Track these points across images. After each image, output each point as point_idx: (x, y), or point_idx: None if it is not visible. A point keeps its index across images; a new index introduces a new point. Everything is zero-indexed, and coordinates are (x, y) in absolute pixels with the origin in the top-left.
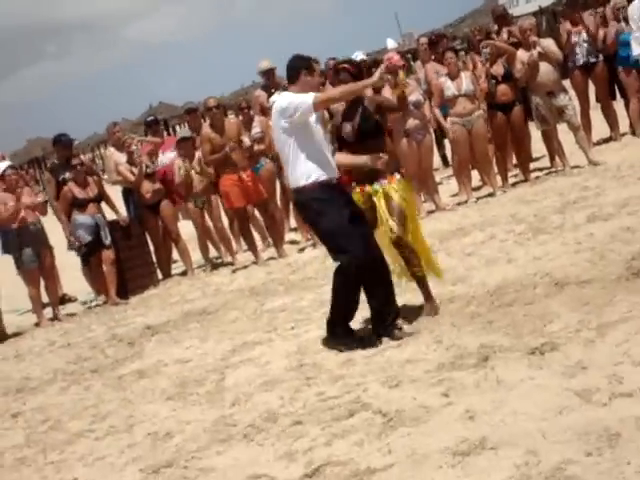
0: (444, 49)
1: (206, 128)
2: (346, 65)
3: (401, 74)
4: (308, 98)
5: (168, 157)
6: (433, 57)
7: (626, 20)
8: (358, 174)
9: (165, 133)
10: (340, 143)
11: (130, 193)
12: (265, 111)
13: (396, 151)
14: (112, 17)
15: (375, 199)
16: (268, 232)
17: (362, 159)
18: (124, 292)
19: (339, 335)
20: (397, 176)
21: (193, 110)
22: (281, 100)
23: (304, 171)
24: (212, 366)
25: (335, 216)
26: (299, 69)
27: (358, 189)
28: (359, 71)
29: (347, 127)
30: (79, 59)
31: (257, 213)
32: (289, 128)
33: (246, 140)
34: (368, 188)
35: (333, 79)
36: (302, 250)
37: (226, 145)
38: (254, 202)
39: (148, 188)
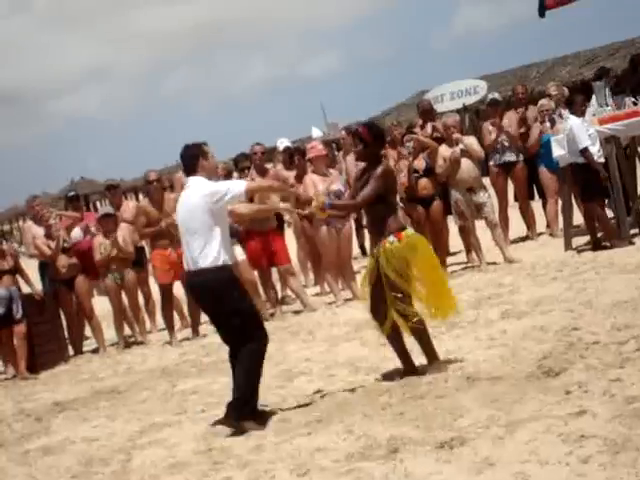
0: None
1: (144, 201)
2: (360, 129)
3: (319, 197)
4: (240, 185)
5: (77, 233)
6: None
7: (551, 122)
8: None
9: (85, 208)
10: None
11: (46, 267)
12: None
13: (314, 239)
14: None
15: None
16: (188, 311)
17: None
18: (33, 367)
19: (247, 416)
20: (390, 238)
21: (114, 187)
22: (202, 184)
23: (223, 251)
24: (119, 446)
25: (249, 297)
26: (195, 157)
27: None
28: (375, 141)
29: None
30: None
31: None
32: (214, 210)
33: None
34: (404, 233)
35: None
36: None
37: (162, 220)
38: (181, 279)
39: (64, 263)
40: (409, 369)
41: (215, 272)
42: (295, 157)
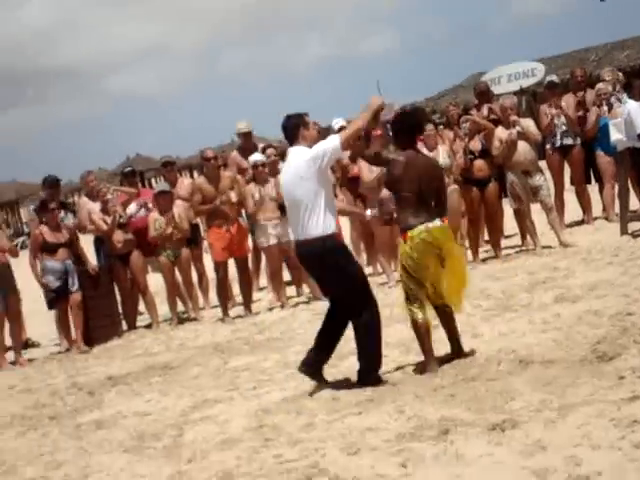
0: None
1: (200, 178)
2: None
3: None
4: (334, 140)
5: (133, 208)
6: None
7: (609, 106)
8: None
9: (140, 185)
10: None
11: (101, 242)
12: (242, 171)
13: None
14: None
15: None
16: (240, 289)
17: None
18: (89, 340)
19: (378, 380)
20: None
21: (170, 163)
22: (303, 152)
23: (332, 219)
24: (171, 421)
25: (359, 266)
26: (296, 127)
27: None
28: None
29: None
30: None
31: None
32: (319, 176)
33: (232, 195)
34: (409, 233)
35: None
36: (270, 310)
37: (217, 197)
38: (235, 256)
39: (120, 238)
40: (455, 350)
41: (324, 240)
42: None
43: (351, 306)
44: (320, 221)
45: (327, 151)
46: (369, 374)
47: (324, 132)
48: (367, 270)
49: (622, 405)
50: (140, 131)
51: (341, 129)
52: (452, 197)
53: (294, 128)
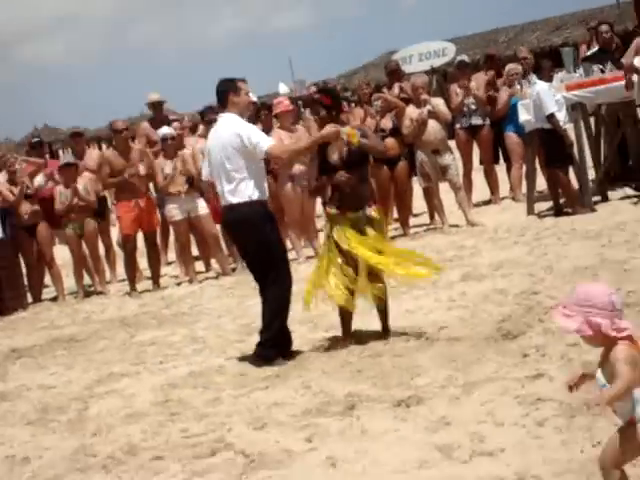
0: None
1: (109, 150)
2: (318, 97)
3: (347, 130)
4: (264, 144)
5: (40, 180)
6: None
7: (520, 85)
8: (342, 200)
9: (48, 156)
10: (324, 166)
11: (7, 213)
12: (152, 143)
13: (279, 195)
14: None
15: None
16: (148, 263)
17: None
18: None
19: (271, 357)
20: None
21: (78, 134)
22: (234, 123)
23: (256, 187)
24: (76, 394)
25: (281, 238)
26: (226, 92)
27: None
28: (335, 103)
29: (334, 157)
30: None
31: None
32: (244, 151)
33: (141, 168)
34: (350, 215)
35: (313, 110)
36: (178, 284)
37: (126, 170)
38: (144, 230)
39: (26, 209)
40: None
41: (249, 206)
42: (261, 112)
43: (264, 277)
44: (249, 188)
45: (256, 146)
46: (265, 349)
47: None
48: None
49: (526, 383)
50: (48, 101)
51: (252, 104)
52: None
53: (224, 92)
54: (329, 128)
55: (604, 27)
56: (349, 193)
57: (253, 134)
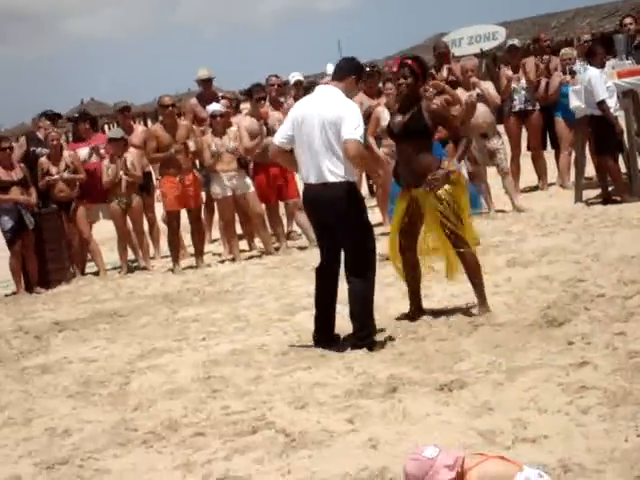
0: (384, 80)
1: (156, 125)
2: (410, 62)
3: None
4: (349, 133)
5: (84, 152)
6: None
7: (572, 73)
8: (406, 177)
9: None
10: (389, 132)
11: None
12: (199, 120)
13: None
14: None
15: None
16: (192, 240)
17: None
18: (44, 284)
19: (370, 336)
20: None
21: (126, 109)
22: (338, 98)
23: (351, 169)
24: (118, 369)
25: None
26: (351, 72)
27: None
28: (423, 74)
29: (397, 119)
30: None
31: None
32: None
33: (191, 144)
34: (413, 192)
35: (395, 74)
36: (222, 262)
37: (172, 146)
38: (189, 207)
39: (62, 188)
40: (416, 311)
41: (349, 185)
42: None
43: (356, 260)
44: (344, 166)
45: (340, 130)
46: (366, 336)
47: (285, 87)
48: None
49: (570, 370)
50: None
51: (297, 83)
52: None
53: (349, 72)
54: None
55: None
56: (404, 168)
57: (349, 119)
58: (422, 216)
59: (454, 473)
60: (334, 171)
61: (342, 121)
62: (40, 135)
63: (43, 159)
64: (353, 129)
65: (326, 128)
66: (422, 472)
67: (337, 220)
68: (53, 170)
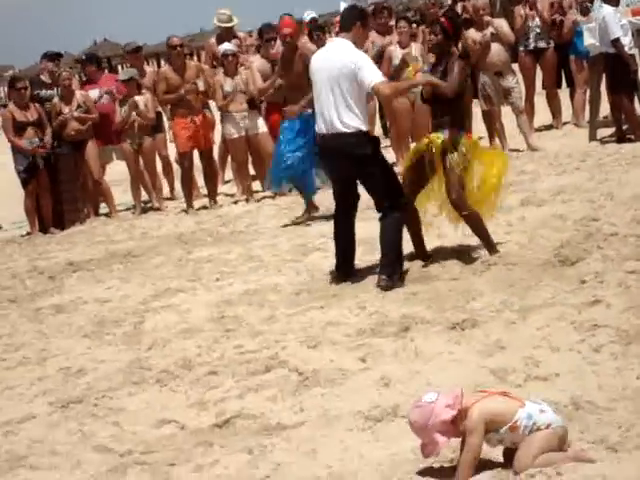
0: (397, 18)
1: (165, 67)
2: (443, 19)
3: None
4: (373, 80)
5: (95, 93)
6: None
7: (586, 11)
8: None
9: (107, 71)
10: (421, 97)
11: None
12: (217, 60)
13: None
14: None
15: (434, 149)
16: (205, 181)
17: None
18: (58, 224)
19: (402, 277)
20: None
21: (138, 49)
22: (350, 50)
23: (363, 118)
24: (132, 309)
25: (393, 170)
26: (355, 20)
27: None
28: (455, 33)
29: (427, 87)
30: None
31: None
32: (355, 81)
33: (200, 84)
34: (433, 135)
35: (431, 28)
36: (235, 203)
37: (182, 87)
38: (200, 148)
39: (74, 126)
40: (420, 254)
41: (362, 135)
42: (314, 34)
43: (381, 202)
44: (359, 116)
45: (364, 80)
46: (393, 268)
47: (299, 25)
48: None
49: (582, 309)
50: (108, 16)
51: (312, 21)
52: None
53: (354, 19)
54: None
55: None
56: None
57: (365, 66)
58: (433, 167)
59: (455, 411)
60: (346, 122)
61: (359, 70)
62: (44, 78)
63: (55, 99)
64: (375, 73)
65: (339, 81)
66: (425, 417)
67: (356, 169)
68: (65, 109)
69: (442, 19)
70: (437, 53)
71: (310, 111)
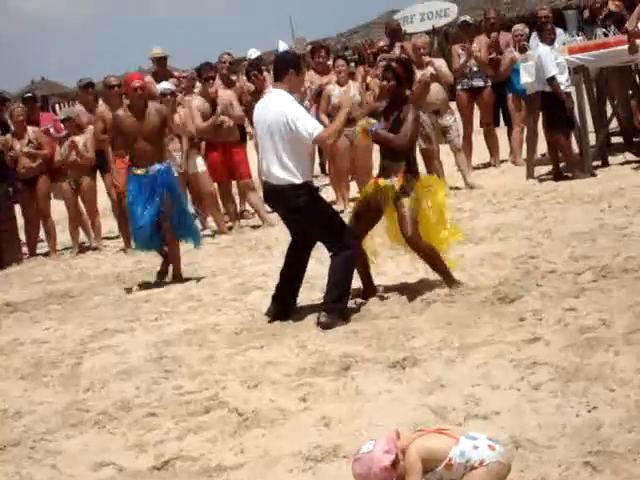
0: (335, 57)
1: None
2: (395, 65)
3: (368, 120)
4: (311, 130)
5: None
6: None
7: (523, 49)
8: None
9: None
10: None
11: (5, 166)
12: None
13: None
14: None
15: (385, 197)
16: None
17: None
18: None
19: (344, 316)
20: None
21: (90, 85)
22: (285, 102)
23: (306, 170)
24: (69, 349)
25: (335, 212)
26: (287, 67)
27: (372, 180)
28: (407, 77)
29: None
30: None
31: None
32: (290, 134)
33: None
34: (381, 181)
35: (382, 73)
36: None
37: None
38: None
39: (25, 163)
40: (369, 292)
41: (301, 188)
42: (252, 74)
43: (330, 246)
44: (298, 168)
45: (300, 132)
46: (335, 305)
47: (236, 64)
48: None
49: (522, 346)
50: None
51: (257, 59)
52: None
53: (286, 67)
54: (344, 99)
55: None
56: (382, 159)
57: (300, 119)
58: (381, 210)
59: (394, 455)
60: (279, 176)
61: (296, 124)
62: None
63: (8, 135)
64: (311, 124)
65: (274, 135)
66: (367, 467)
67: (296, 217)
68: (17, 145)
69: (394, 64)
70: (389, 99)
71: (159, 167)
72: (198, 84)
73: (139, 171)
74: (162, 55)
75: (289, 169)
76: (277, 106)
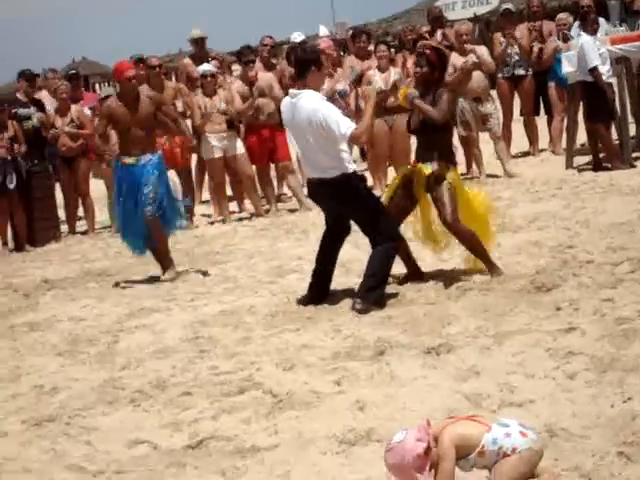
0: (377, 42)
1: (143, 86)
2: (428, 52)
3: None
4: (344, 131)
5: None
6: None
7: (565, 38)
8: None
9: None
10: (407, 127)
11: (47, 143)
12: (192, 80)
13: None
14: None
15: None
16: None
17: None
18: (31, 242)
19: (380, 302)
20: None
21: (141, 60)
22: (315, 103)
23: (350, 158)
24: (106, 327)
25: (381, 204)
26: (309, 64)
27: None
28: (441, 64)
29: (415, 117)
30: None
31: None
32: (323, 133)
33: (179, 105)
34: (419, 166)
35: (417, 60)
36: (212, 224)
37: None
38: (177, 167)
39: (65, 142)
40: (414, 274)
41: (346, 177)
42: (269, 60)
43: (373, 236)
44: (338, 160)
45: (331, 130)
46: (370, 294)
47: (277, 47)
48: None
49: (558, 336)
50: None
51: (302, 42)
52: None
53: (307, 64)
54: (368, 90)
55: None
56: (418, 147)
57: (331, 119)
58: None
59: (426, 442)
60: (328, 168)
61: (329, 124)
62: (20, 96)
63: (51, 112)
64: (342, 124)
65: (310, 133)
66: (400, 456)
67: (342, 209)
68: (59, 123)
69: (427, 51)
70: (423, 85)
71: (150, 157)
72: (235, 67)
73: (130, 160)
74: (201, 36)
75: (334, 161)
76: (308, 107)
